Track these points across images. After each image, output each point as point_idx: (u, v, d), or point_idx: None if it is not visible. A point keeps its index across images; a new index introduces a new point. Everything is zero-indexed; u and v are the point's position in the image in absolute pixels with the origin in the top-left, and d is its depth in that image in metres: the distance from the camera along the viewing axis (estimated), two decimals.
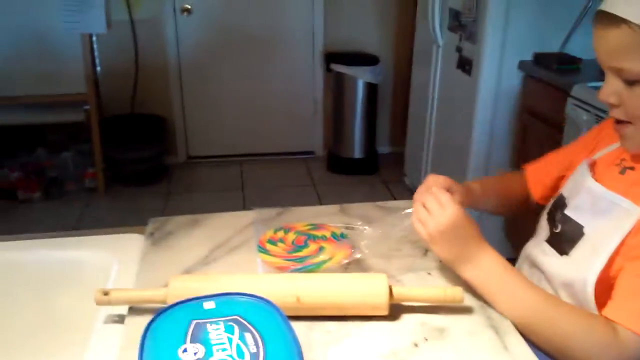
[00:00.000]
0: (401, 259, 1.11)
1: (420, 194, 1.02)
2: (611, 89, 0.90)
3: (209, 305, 0.76)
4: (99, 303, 0.91)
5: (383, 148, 4.20)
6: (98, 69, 3.74)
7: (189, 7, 3.80)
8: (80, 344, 0.91)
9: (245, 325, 0.73)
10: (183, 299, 0.84)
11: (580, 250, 0.98)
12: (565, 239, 1.02)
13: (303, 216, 1.25)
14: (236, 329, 0.72)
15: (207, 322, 0.73)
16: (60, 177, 3.63)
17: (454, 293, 0.93)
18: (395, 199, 3.63)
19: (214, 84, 4.02)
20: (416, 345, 0.89)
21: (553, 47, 2.59)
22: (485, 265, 0.96)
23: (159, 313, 0.76)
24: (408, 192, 3.65)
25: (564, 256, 1.01)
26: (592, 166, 1.04)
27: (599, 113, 2.09)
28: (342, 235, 1.13)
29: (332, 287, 0.93)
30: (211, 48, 3.93)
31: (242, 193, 3.73)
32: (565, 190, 1.08)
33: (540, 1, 2.54)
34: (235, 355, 0.67)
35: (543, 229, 1.10)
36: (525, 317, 0.92)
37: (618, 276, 0.91)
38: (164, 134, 3.91)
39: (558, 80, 2.39)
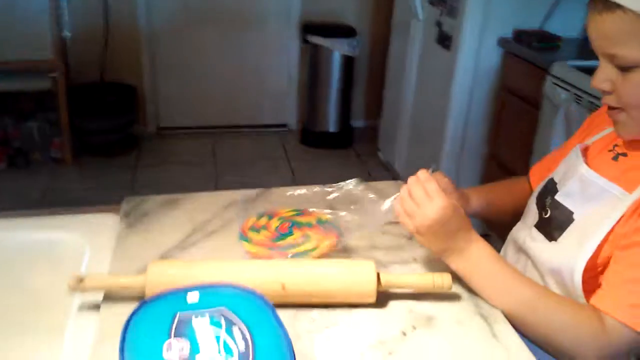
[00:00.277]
0: (386, 244, 1.09)
1: (409, 183, 0.97)
2: (605, 76, 0.89)
3: (193, 296, 0.72)
4: (73, 290, 0.86)
5: (358, 122, 4.16)
6: (68, 34, 3.59)
7: None
8: (56, 328, 0.88)
9: (232, 318, 0.69)
10: (162, 286, 0.81)
11: (569, 236, 0.97)
12: (554, 224, 1.00)
13: (284, 197, 1.20)
14: (223, 322, 0.68)
15: (192, 315, 0.69)
16: (26, 147, 3.51)
17: (442, 280, 0.91)
18: (369, 174, 3.61)
19: (187, 53, 3.90)
20: (404, 334, 0.87)
21: (533, 24, 2.57)
22: (474, 257, 0.94)
23: (140, 305, 0.72)
24: (382, 167, 3.64)
25: (553, 242, 0.99)
26: (585, 151, 1.03)
27: (578, 92, 2.08)
28: (327, 222, 1.09)
29: (319, 274, 0.90)
30: (185, 16, 3.80)
31: (214, 166, 3.66)
32: (556, 175, 1.06)
33: None
34: (222, 352, 0.64)
35: (531, 213, 1.08)
36: (515, 308, 0.91)
37: (607, 265, 0.90)
38: (134, 103, 3.80)
39: (537, 58, 2.37)
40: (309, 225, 1.07)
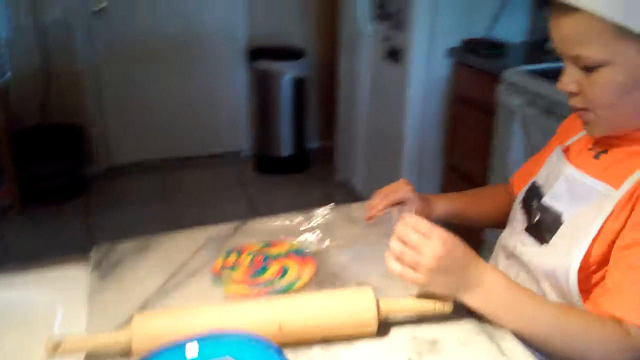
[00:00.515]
0: (375, 264, 1.05)
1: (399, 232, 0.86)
2: (570, 78, 0.90)
3: (192, 348, 0.66)
4: (51, 356, 0.79)
5: (312, 143, 4.13)
6: (8, 75, 3.43)
7: (104, 5, 3.54)
8: None
9: None
10: (151, 340, 0.74)
11: (560, 237, 0.96)
12: (544, 227, 0.99)
13: (265, 228, 1.16)
14: None
15: None
16: None
17: (443, 303, 0.88)
18: (327, 197, 3.56)
19: (133, 88, 3.78)
20: None
21: (479, 33, 2.61)
22: (492, 290, 0.86)
23: None
24: (340, 189, 3.58)
25: (544, 245, 0.98)
26: (566, 152, 1.03)
27: (532, 97, 2.11)
28: (300, 251, 1.04)
29: (317, 309, 0.85)
30: (127, 50, 3.70)
31: (171, 201, 3.56)
32: (539, 178, 1.06)
33: None
34: None
35: (518, 219, 1.07)
36: (541, 333, 0.86)
37: (610, 267, 0.89)
38: (81, 144, 3.66)
39: (487, 65, 2.41)
40: (283, 255, 1.02)
